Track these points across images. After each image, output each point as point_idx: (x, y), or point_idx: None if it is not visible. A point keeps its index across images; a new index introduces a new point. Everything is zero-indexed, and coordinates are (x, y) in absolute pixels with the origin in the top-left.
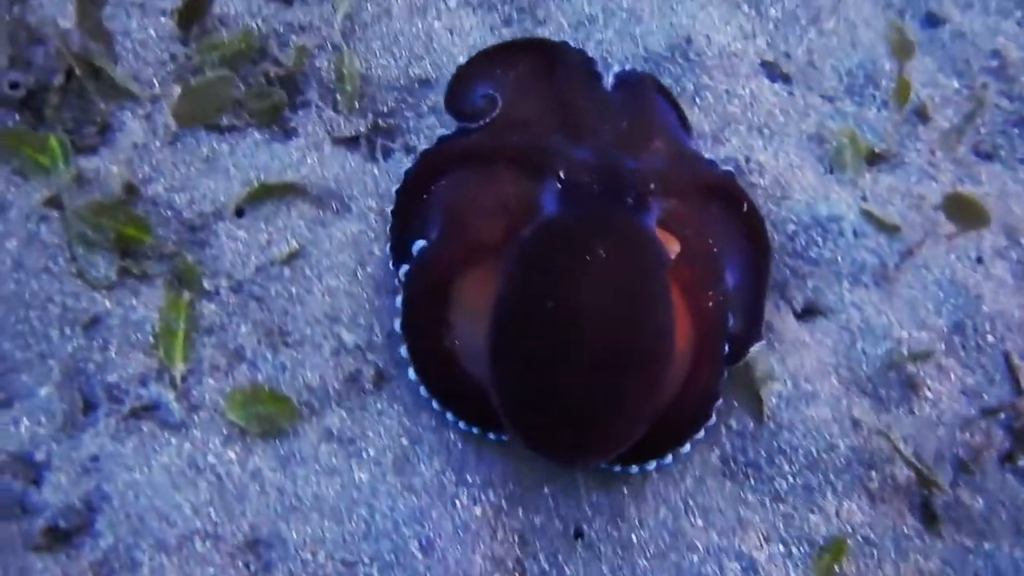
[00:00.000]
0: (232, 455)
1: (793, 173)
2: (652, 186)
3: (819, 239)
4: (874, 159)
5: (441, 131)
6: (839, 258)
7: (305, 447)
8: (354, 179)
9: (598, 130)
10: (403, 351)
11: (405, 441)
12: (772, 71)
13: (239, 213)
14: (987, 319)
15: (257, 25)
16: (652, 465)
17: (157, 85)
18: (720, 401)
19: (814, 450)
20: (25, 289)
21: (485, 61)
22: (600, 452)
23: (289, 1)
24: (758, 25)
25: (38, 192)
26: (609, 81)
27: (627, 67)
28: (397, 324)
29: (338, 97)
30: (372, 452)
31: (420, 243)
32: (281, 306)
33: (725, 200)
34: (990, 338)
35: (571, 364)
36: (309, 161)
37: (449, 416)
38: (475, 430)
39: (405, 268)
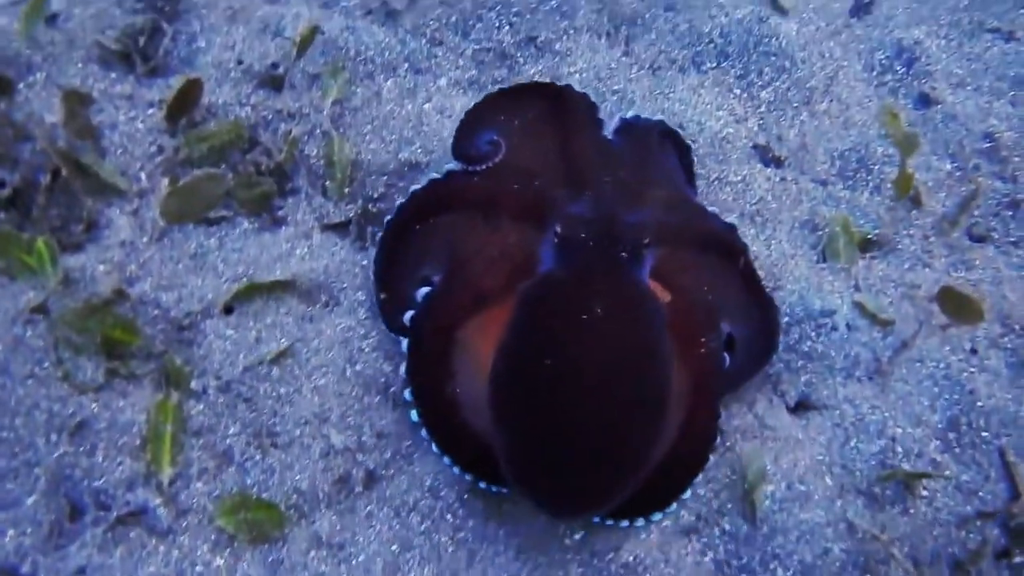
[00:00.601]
0: (220, 562)
1: (786, 263)
2: (647, 240)
3: (812, 333)
4: (867, 246)
5: None
6: (832, 352)
7: (294, 553)
8: (343, 271)
9: (597, 181)
10: (407, 394)
11: (395, 547)
12: (764, 154)
13: (227, 311)
14: (982, 414)
15: (246, 113)
16: (658, 516)
17: (144, 179)
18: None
19: (808, 556)
20: (11, 396)
21: (491, 106)
22: (597, 505)
23: (278, 87)
24: (750, 108)
25: (24, 294)
26: (613, 125)
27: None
28: (402, 368)
29: (328, 184)
30: (362, 558)
31: (424, 289)
32: (270, 407)
33: (723, 252)
34: (985, 434)
35: (567, 420)
36: (298, 251)
37: (446, 460)
38: (468, 477)
39: (409, 314)
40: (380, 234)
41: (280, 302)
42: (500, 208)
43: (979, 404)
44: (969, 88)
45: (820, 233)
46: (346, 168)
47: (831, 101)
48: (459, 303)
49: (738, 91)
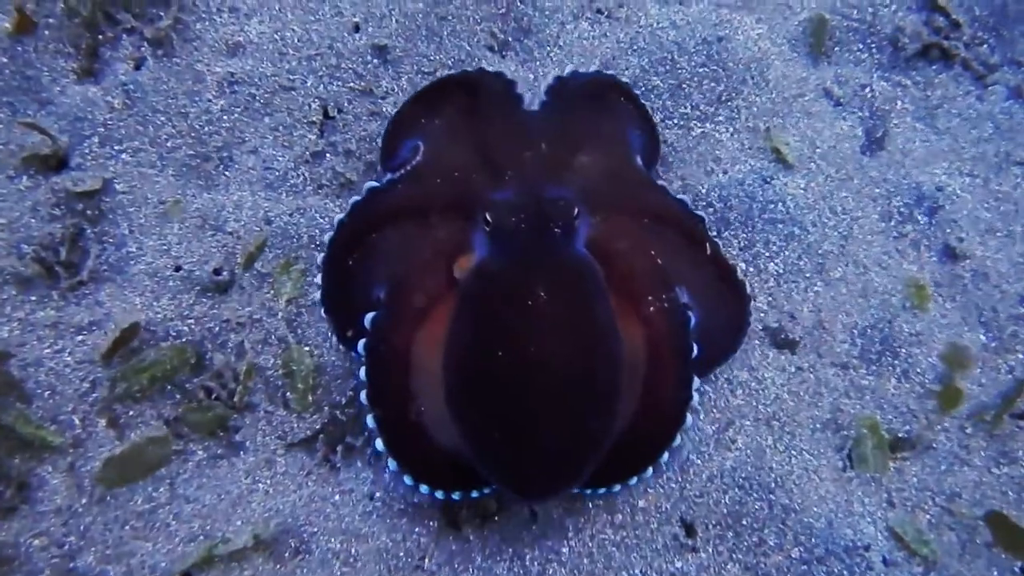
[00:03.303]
0: None
1: (809, 479)
2: (576, 210)
3: (844, 572)
4: (898, 445)
5: None
6: None
7: None
8: (313, 509)
9: (517, 161)
10: (369, 421)
11: None
12: (776, 338)
13: None
14: None
15: (189, 327)
16: (633, 480)
17: (79, 424)
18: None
19: None
20: None
21: (410, 113)
22: (570, 481)
23: (224, 289)
24: (757, 283)
25: None
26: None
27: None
28: (363, 396)
29: (289, 395)
30: None
31: (370, 315)
32: None
33: (673, 225)
34: None
35: (528, 406)
36: (261, 486)
37: (424, 489)
38: (440, 495)
39: (362, 342)
40: (319, 273)
41: (243, 564)
42: (426, 208)
43: None
44: (1000, 235)
45: (844, 433)
46: (308, 377)
47: (847, 265)
48: (406, 317)
49: (743, 264)
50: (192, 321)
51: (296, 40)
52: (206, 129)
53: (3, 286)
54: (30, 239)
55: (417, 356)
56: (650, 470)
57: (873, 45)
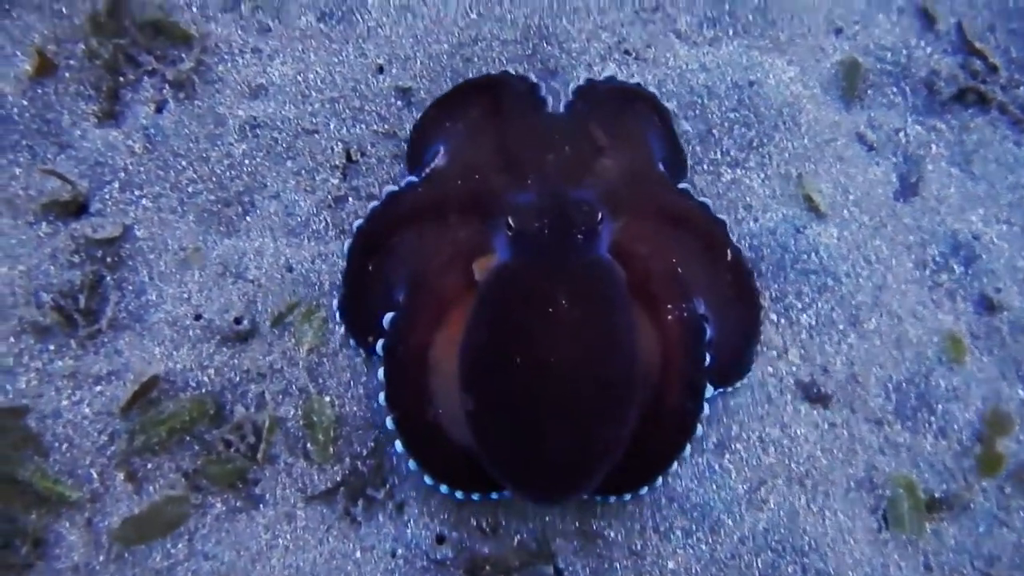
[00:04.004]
0: None
1: (843, 541)
2: (600, 215)
3: None
4: (935, 506)
5: None
6: None
7: None
8: (334, 566)
9: (540, 165)
10: (388, 423)
11: None
12: (809, 393)
13: None
14: None
15: (208, 377)
16: (644, 491)
17: (96, 477)
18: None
19: None
20: None
21: (433, 116)
22: (579, 486)
23: (245, 338)
24: (789, 336)
25: None
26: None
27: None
28: (381, 398)
29: (309, 447)
30: None
31: (389, 315)
32: None
33: (694, 232)
34: None
35: (541, 410)
36: (281, 541)
37: (443, 489)
38: (459, 496)
39: (381, 342)
40: (341, 275)
41: None
42: (444, 209)
43: None
44: None
45: (879, 493)
46: (329, 429)
47: (881, 316)
48: (424, 318)
49: (775, 316)
50: (212, 371)
51: (319, 82)
52: (227, 174)
53: (21, 335)
54: (49, 286)
55: (435, 357)
56: (659, 480)
57: (907, 88)
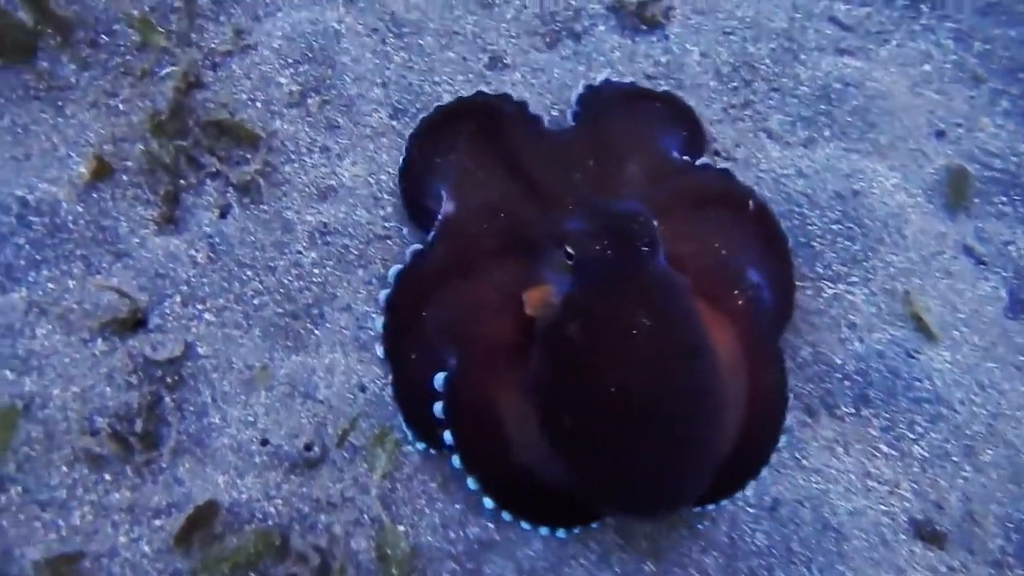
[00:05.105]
0: None
1: None
2: (655, 223)
3: None
4: None
5: None
6: None
7: None
8: None
9: (570, 185)
10: (470, 484)
11: None
12: (922, 531)
13: None
14: None
15: (275, 508)
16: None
17: None
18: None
19: None
20: None
21: (421, 157)
22: (695, 494)
23: (314, 464)
24: (900, 469)
25: None
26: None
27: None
28: (456, 461)
29: None
30: None
31: (440, 376)
32: None
33: (722, 203)
34: None
35: (643, 433)
36: None
37: (543, 531)
38: (562, 533)
39: (439, 405)
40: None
41: None
42: (472, 259)
43: None
44: None
45: None
46: (404, 562)
47: (997, 447)
48: (486, 373)
49: (885, 447)
50: (279, 501)
51: (391, 184)
52: (296, 284)
53: (75, 464)
54: (104, 409)
55: (503, 406)
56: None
57: (1017, 198)
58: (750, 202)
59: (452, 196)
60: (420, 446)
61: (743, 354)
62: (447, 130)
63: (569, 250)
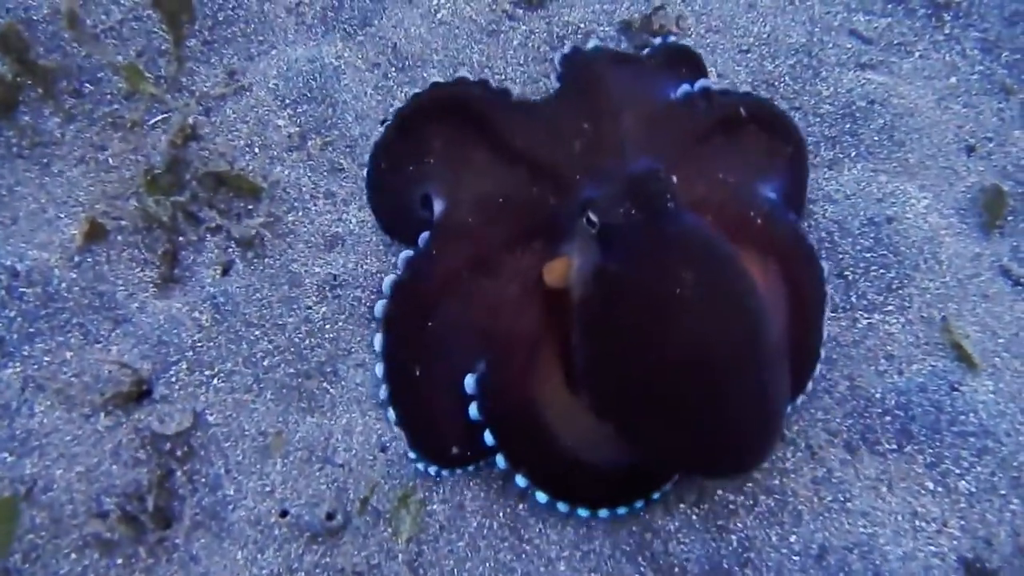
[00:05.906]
0: None
1: None
2: (672, 176)
3: None
4: None
5: None
6: None
7: None
8: None
9: (569, 154)
10: (519, 481)
11: None
12: (972, 569)
13: None
14: None
15: None
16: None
17: None
18: None
19: None
20: None
21: (392, 166)
22: (776, 440)
23: (336, 532)
24: (947, 506)
25: None
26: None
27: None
28: (501, 462)
29: None
30: None
31: (470, 379)
32: None
33: (721, 130)
34: None
35: (713, 389)
36: None
37: (603, 514)
38: (623, 510)
39: (473, 406)
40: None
41: None
42: (482, 255)
43: None
44: None
45: None
46: None
47: None
48: (521, 368)
49: (931, 484)
50: (303, 575)
51: None
52: (307, 342)
53: (84, 549)
54: (111, 488)
55: (538, 395)
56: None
57: None
58: (741, 109)
59: (442, 197)
60: (432, 469)
61: (778, 274)
62: (416, 132)
63: (592, 217)
